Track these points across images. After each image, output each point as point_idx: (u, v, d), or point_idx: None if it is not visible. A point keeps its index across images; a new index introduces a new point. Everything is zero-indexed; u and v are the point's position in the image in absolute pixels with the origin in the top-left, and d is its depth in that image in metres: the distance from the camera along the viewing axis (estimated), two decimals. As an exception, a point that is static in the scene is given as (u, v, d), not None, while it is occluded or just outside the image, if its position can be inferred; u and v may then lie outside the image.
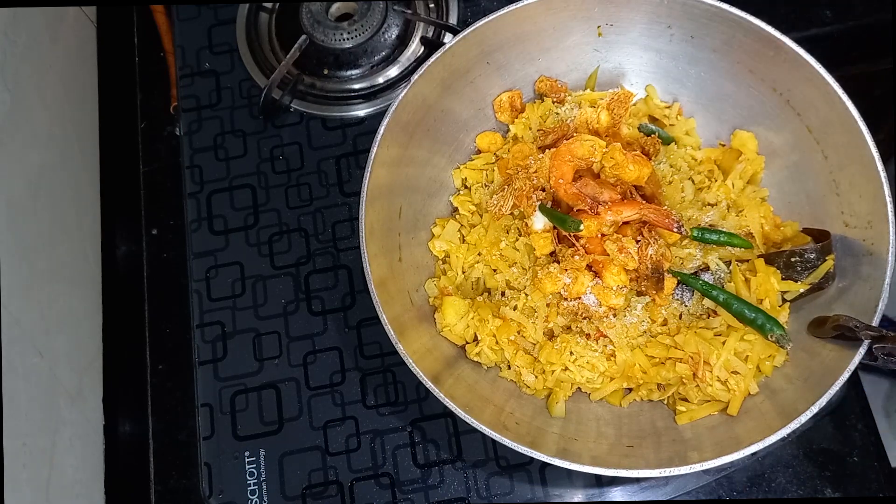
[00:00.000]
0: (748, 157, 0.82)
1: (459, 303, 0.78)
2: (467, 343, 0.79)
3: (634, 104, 0.85)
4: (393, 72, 0.97)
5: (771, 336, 0.72)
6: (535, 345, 0.77)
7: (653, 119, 0.86)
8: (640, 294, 0.77)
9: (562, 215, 0.76)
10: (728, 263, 0.78)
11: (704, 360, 0.73)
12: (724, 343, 0.74)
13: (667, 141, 0.83)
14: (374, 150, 0.76)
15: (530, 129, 0.85)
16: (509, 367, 0.78)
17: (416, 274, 0.82)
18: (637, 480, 0.79)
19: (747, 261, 0.78)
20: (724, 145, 0.84)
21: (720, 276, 0.77)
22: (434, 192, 0.85)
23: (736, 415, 0.72)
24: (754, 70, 0.79)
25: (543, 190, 0.78)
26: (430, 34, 0.99)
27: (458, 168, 0.86)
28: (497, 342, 0.77)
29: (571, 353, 0.75)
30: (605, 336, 0.76)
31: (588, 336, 0.76)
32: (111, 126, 1.05)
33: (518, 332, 0.77)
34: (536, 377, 0.77)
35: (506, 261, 0.80)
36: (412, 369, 0.69)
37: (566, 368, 0.76)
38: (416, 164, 0.83)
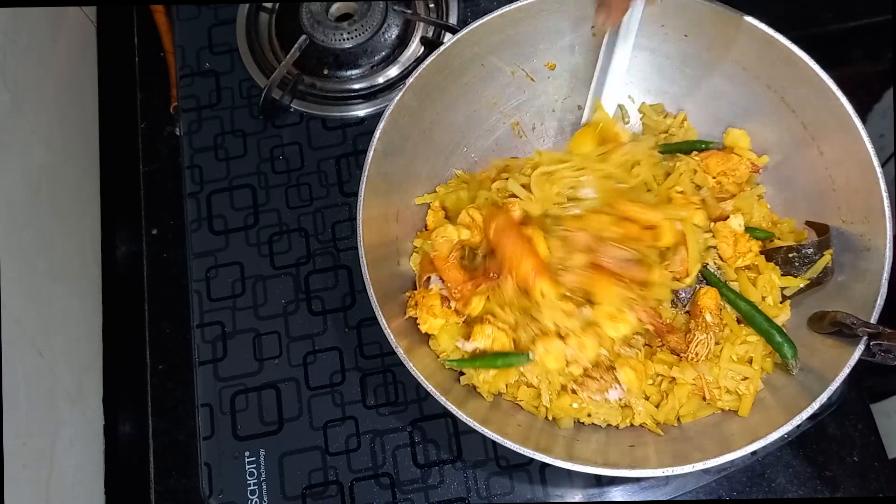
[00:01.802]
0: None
1: (453, 328, 0.76)
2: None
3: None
4: (393, 72, 0.97)
5: (782, 359, 0.72)
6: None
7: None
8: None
9: (500, 356, 0.73)
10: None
11: (707, 383, 0.73)
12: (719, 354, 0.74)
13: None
14: (369, 154, 0.76)
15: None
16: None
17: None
18: (637, 480, 0.79)
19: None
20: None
21: (718, 274, 0.77)
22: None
23: (747, 415, 0.72)
24: (748, 68, 0.79)
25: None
26: (430, 34, 0.99)
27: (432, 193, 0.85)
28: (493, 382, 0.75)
29: (589, 415, 0.74)
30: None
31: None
32: (111, 126, 1.05)
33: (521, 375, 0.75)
34: (538, 408, 0.75)
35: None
36: (421, 382, 0.69)
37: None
38: (412, 167, 0.83)
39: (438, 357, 0.77)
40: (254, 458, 0.82)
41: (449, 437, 0.81)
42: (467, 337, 0.75)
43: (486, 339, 0.74)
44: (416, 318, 0.76)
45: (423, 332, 0.76)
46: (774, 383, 0.73)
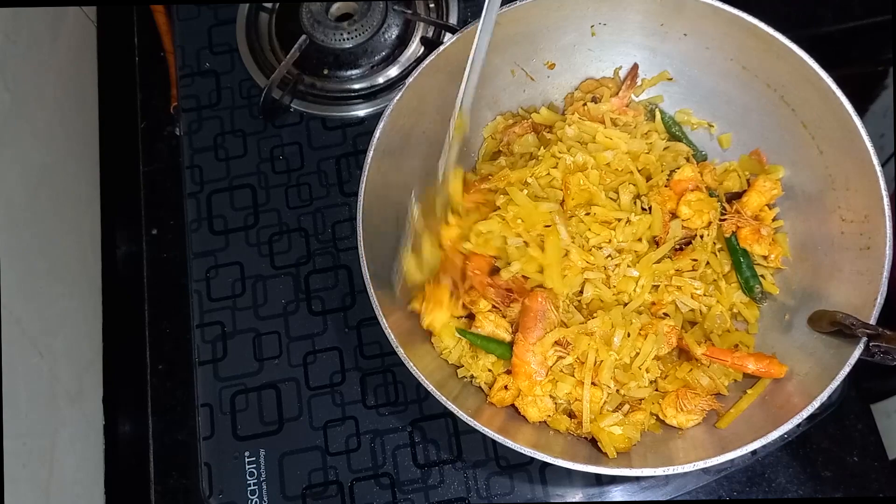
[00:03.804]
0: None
1: (456, 324, 0.77)
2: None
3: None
4: (393, 72, 0.97)
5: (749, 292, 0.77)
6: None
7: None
8: None
9: (500, 344, 0.74)
10: None
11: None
12: None
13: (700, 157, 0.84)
14: (369, 154, 0.76)
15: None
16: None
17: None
18: (637, 479, 0.79)
19: None
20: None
21: None
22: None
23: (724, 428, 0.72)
24: (748, 67, 0.79)
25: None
26: (430, 34, 0.99)
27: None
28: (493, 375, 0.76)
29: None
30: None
31: None
32: (111, 126, 1.05)
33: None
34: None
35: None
36: (422, 382, 0.69)
37: None
38: (412, 167, 0.82)
39: (440, 354, 0.77)
40: (254, 458, 0.82)
41: (449, 437, 0.81)
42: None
43: (489, 324, 0.76)
44: (418, 313, 0.76)
45: (425, 326, 0.76)
46: (774, 383, 0.73)
